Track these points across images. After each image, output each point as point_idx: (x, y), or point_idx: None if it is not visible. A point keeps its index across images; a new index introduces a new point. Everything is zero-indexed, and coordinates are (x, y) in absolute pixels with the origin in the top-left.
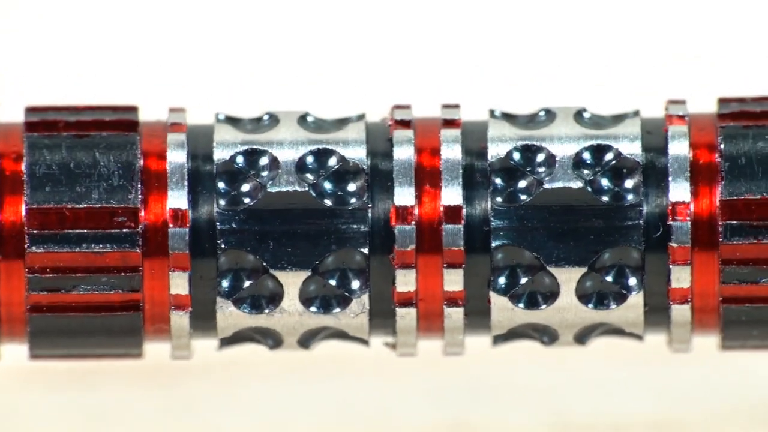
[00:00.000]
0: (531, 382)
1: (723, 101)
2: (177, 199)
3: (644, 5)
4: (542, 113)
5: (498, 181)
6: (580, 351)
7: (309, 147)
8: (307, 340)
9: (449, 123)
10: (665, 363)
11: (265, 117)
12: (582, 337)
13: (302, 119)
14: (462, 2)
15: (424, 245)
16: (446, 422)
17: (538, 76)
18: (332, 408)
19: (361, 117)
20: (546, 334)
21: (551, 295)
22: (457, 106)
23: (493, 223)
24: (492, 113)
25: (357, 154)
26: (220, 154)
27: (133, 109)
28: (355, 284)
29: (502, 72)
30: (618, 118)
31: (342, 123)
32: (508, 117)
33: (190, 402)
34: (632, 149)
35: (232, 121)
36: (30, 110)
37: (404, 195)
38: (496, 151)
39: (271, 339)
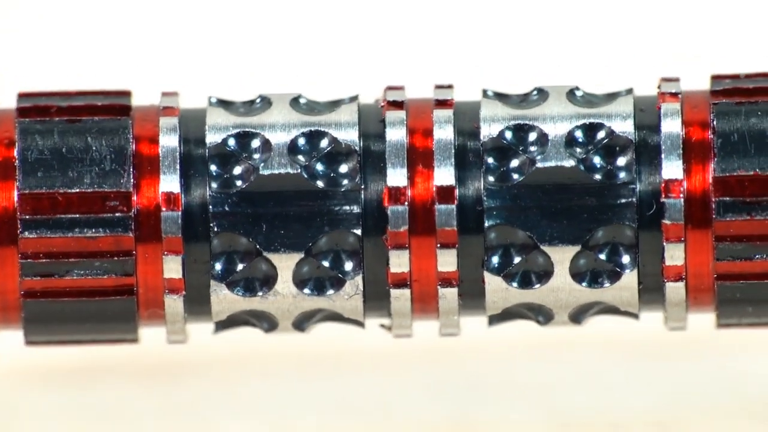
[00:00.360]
0: (530, 379)
1: (716, 78)
2: (169, 183)
3: (644, 5)
4: (535, 93)
5: (490, 160)
6: (580, 347)
7: (301, 129)
8: (301, 322)
9: (442, 103)
10: (665, 360)
11: (258, 100)
12: (577, 316)
13: (294, 101)
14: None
15: (417, 226)
16: (446, 419)
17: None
18: (332, 405)
19: (353, 99)
20: (541, 314)
21: (545, 274)
22: (450, 87)
23: (486, 203)
24: (485, 93)
25: (349, 135)
26: (212, 138)
27: (125, 94)
28: (349, 266)
29: (500, 70)
30: (611, 97)
31: (334, 105)
32: (501, 96)
33: (191, 400)
34: (625, 127)
35: (225, 104)
36: (22, 96)
37: (397, 176)
38: (488, 130)
39: (266, 322)
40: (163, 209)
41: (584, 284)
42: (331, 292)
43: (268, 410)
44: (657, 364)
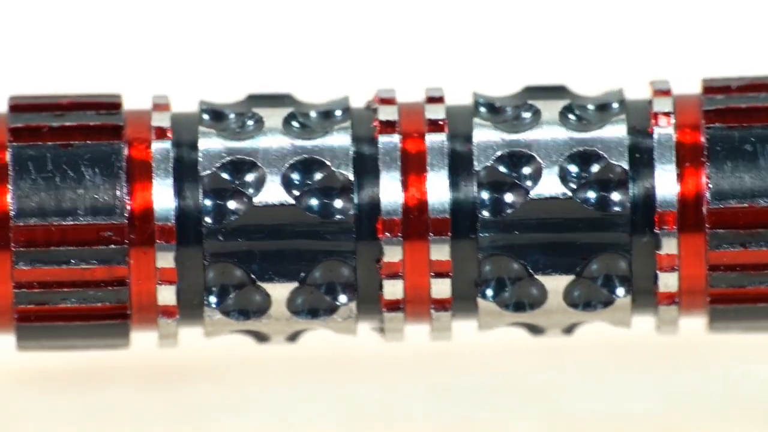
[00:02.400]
0: (530, 383)
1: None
2: (164, 208)
3: (644, 6)
4: (527, 110)
5: (484, 195)
6: (581, 352)
7: (295, 157)
8: (293, 337)
9: (434, 125)
10: (665, 364)
11: (249, 122)
12: (569, 330)
13: (287, 122)
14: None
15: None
16: (447, 423)
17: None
18: (330, 409)
19: (345, 115)
20: (533, 330)
21: (538, 302)
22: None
23: (480, 234)
24: (477, 110)
25: (344, 165)
26: (205, 168)
27: (116, 106)
28: (343, 297)
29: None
30: (604, 115)
31: (327, 123)
32: (493, 113)
33: (187, 404)
34: (619, 157)
35: (217, 119)
36: (14, 108)
37: (392, 204)
38: (482, 162)
39: (258, 338)
40: (157, 241)
41: (578, 309)
42: (325, 316)
43: (265, 414)
44: (657, 368)
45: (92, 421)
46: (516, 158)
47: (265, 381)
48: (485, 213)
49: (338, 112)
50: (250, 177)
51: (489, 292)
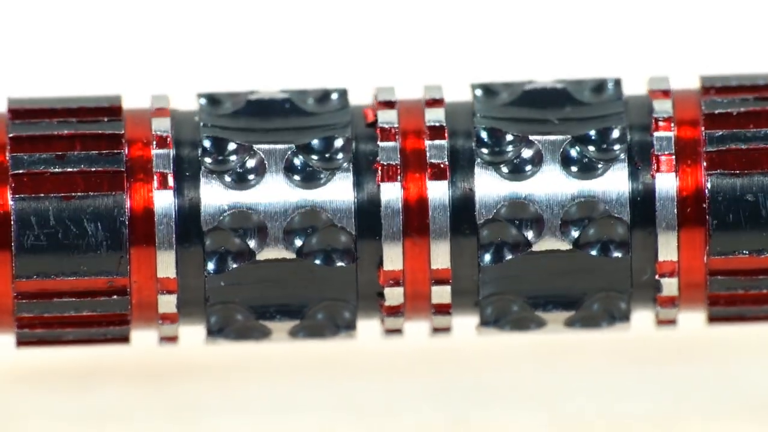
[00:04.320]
0: (531, 382)
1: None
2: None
3: (645, 8)
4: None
5: (486, 240)
6: (581, 350)
7: (297, 211)
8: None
9: (436, 171)
10: (665, 363)
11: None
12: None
13: (288, 167)
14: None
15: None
16: (446, 422)
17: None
18: (332, 408)
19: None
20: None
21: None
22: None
23: (480, 280)
24: (479, 160)
25: (345, 214)
26: (207, 223)
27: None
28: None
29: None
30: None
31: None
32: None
33: (188, 402)
34: (619, 208)
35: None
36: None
37: (392, 258)
38: (484, 211)
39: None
40: (160, 293)
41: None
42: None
43: (265, 413)
44: (657, 367)
45: (92, 421)
46: (518, 209)
47: (264, 379)
48: (485, 262)
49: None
50: (252, 230)
51: (490, 328)
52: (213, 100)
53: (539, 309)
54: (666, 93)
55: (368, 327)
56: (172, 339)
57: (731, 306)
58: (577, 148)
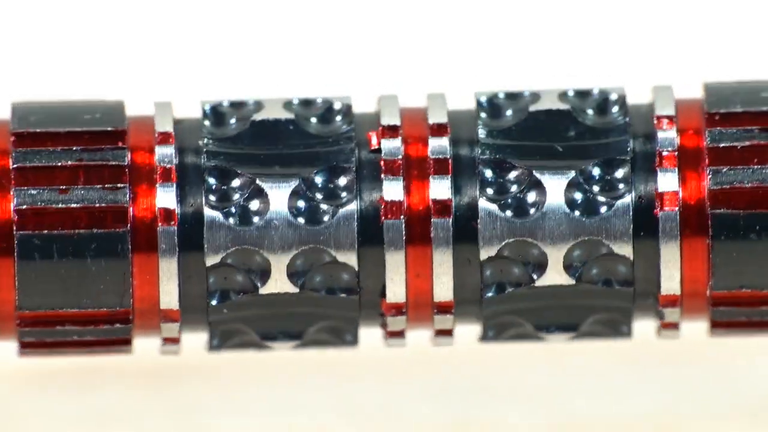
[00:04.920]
0: (530, 383)
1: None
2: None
3: (646, 13)
4: (532, 199)
5: (488, 276)
6: (580, 351)
7: (301, 247)
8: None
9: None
10: (664, 364)
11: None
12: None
13: (292, 205)
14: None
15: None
16: (446, 422)
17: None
18: (332, 409)
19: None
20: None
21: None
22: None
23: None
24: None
25: (348, 250)
26: (210, 258)
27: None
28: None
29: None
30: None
31: (333, 202)
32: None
33: (188, 403)
34: (623, 248)
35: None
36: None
37: (395, 292)
38: (487, 249)
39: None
40: (163, 321)
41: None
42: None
43: (267, 415)
44: (656, 368)
45: (92, 421)
46: (521, 247)
47: (264, 380)
48: (489, 295)
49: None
50: (255, 267)
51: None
52: (217, 115)
53: (542, 331)
54: (671, 120)
55: (369, 327)
56: (174, 351)
57: (734, 328)
58: (581, 185)
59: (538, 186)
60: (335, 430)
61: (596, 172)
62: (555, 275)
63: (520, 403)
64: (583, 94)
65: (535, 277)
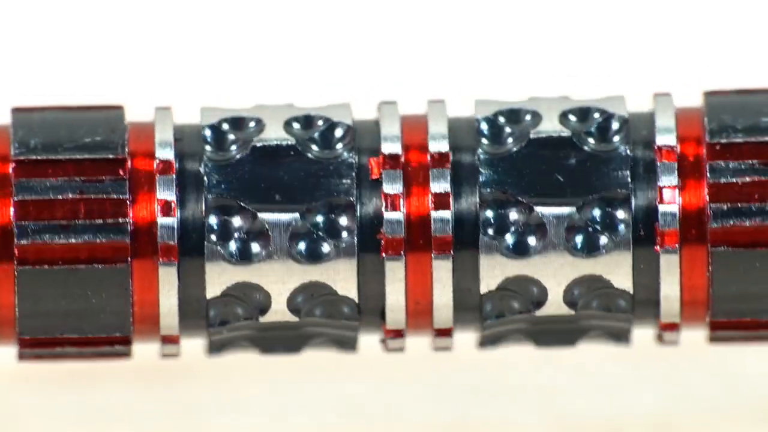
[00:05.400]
0: (531, 381)
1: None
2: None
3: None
4: (533, 237)
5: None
6: (580, 350)
7: (301, 281)
8: None
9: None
10: (665, 362)
11: (256, 252)
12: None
13: (293, 243)
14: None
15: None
16: (446, 422)
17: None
18: (331, 408)
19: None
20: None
21: None
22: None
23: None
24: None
25: (348, 287)
26: (211, 292)
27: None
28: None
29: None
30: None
31: (335, 241)
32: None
33: (189, 403)
34: (624, 282)
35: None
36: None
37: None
38: (487, 285)
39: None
40: (163, 344)
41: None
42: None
43: (267, 414)
44: (657, 366)
45: (92, 421)
46: (521, 283)
47: (264, 380)
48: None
49: (344, 230)
50: (255, 299)
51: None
52: (218, 137)
53: (541, 344)
54: (671, 153)
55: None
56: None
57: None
58: (581, 221)
59: (539, 223)
60: (335, 430)
61: (596, 207)
62: (555, 307)
63: (520, 403)
64: (584, 114)
65: (534, 309)
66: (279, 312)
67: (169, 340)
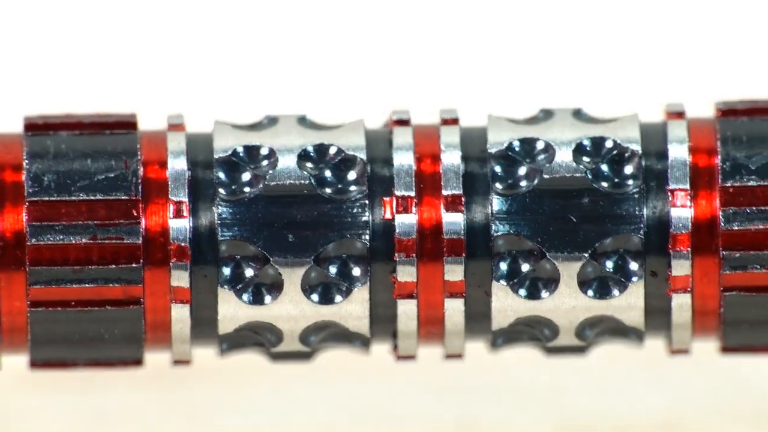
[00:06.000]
0: (535, 383)
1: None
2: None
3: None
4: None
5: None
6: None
7: (313, 322)
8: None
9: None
10: (668, 364)
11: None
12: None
13: (306, 285)
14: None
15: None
16: (450, 423)
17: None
18: (336, 409)
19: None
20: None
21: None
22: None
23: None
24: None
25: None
26: (224, 329)
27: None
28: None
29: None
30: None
31: (346, 284)
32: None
33: (194, 405)
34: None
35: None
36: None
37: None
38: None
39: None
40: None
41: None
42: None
43: (272, 415)
44: (664, 368)
45: (92, 421)
46: (533, 322)
47: (266, 380)
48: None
49: (356, 278)
50: (267, 336)
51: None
52: (230, 173)
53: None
54: (686, 193)
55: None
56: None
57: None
58: (594, 266)
59: (552, 267)
60: (337, 430)
61: (609, 252)
62: (566, 340)
63: (522, 402)
64: (597, 147)
65: (546, 341)
66: (291, 345)
67: (182, 363)
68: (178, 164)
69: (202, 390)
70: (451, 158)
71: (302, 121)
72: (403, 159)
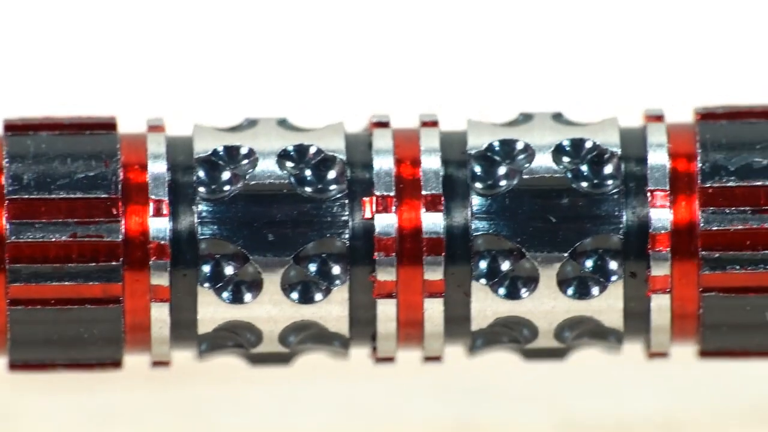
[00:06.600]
0: (536, 382)
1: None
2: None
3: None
4: (524, 281)
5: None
6: (581, 351)
7: (292, 320)
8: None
9: (432, 290)
10: (671, 363)
11: (247, 294)
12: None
13: (285, 284)
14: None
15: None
16: (450, 422)
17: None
18: (335, 408)
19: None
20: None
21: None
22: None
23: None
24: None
25: (339, 323)
26: (202, 329)
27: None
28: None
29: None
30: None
31: (325, 284)
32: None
33: (190, 403)
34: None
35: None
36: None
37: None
38: (478, 324)
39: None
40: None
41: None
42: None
43: (271, 414)
44: (663, 367)
45: (92, 421)
46: (512, 323)
47: (265, 380)
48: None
49: (336, 277)
50: (246, 336)
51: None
52: (210, 174)
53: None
54: (664, 194)
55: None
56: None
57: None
58: (573, 267)
59: (531, 267)
60: (336, 430)
61: (589, 251)
62: (545, 342)
63: (521, 402)
64: (577, 148)
65: (525, 343)
66: (270, 345)
67: (161, 364)
68: (158, 164)
69: (202, 390)
70: (431, 159)
71: (282, 123)
72: (383, 160)
